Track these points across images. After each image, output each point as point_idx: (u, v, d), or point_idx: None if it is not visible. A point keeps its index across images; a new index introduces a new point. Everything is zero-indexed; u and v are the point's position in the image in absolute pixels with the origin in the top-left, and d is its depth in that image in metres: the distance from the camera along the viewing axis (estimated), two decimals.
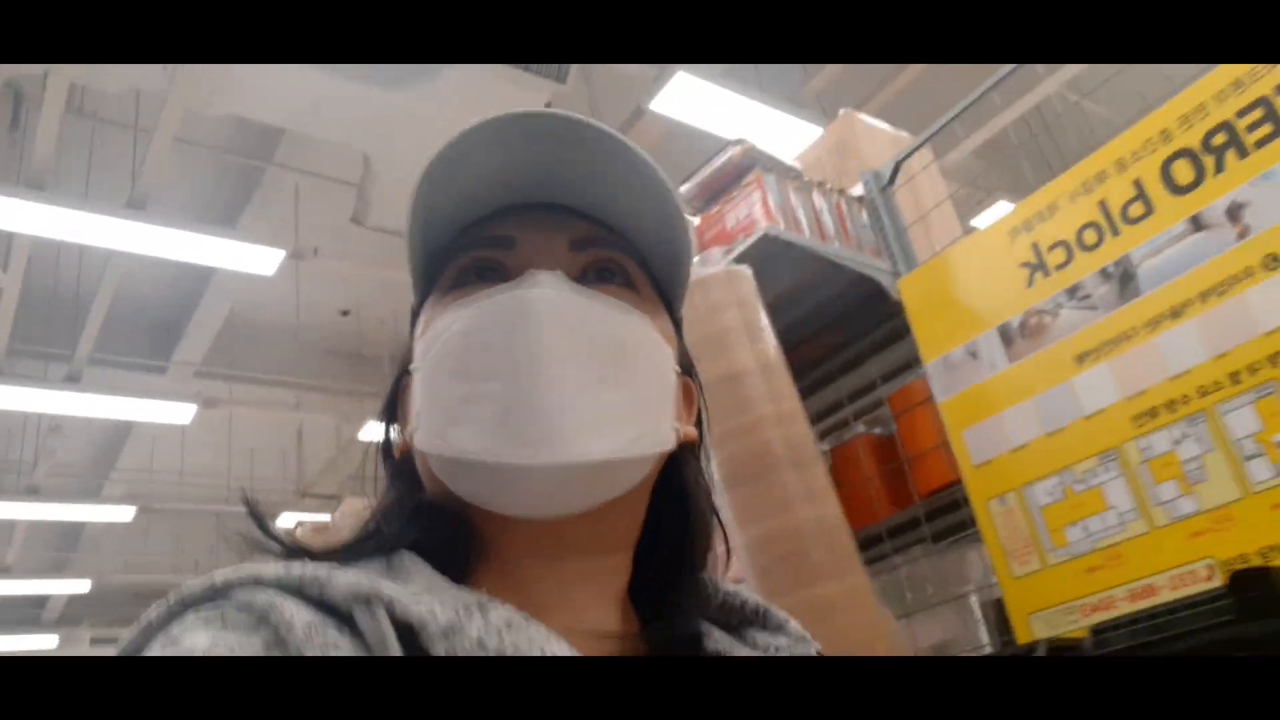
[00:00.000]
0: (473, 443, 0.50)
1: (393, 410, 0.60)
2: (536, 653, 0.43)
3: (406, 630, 0.43)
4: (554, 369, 0.50)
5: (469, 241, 0.56)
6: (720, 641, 0.57)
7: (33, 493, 5.90)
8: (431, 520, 0.53)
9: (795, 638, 0.59)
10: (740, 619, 0.60)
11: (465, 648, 0.42)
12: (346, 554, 0.51)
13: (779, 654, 0.56)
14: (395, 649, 0.41)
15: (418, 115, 3.22)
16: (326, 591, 0.44)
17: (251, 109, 3.40)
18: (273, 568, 0.45)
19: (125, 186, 3.79)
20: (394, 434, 0.59)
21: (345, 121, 3.41)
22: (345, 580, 0.44)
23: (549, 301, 0.52)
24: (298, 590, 0.44)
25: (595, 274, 0.56)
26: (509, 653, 0.43)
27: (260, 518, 0.53)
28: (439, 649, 0.42)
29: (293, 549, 0.51)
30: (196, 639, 0.41)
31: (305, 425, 6.97)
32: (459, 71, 3.16)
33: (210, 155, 4.85)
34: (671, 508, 0.59)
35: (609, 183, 0.55)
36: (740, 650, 0.56)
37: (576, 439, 0.50)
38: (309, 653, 0.40)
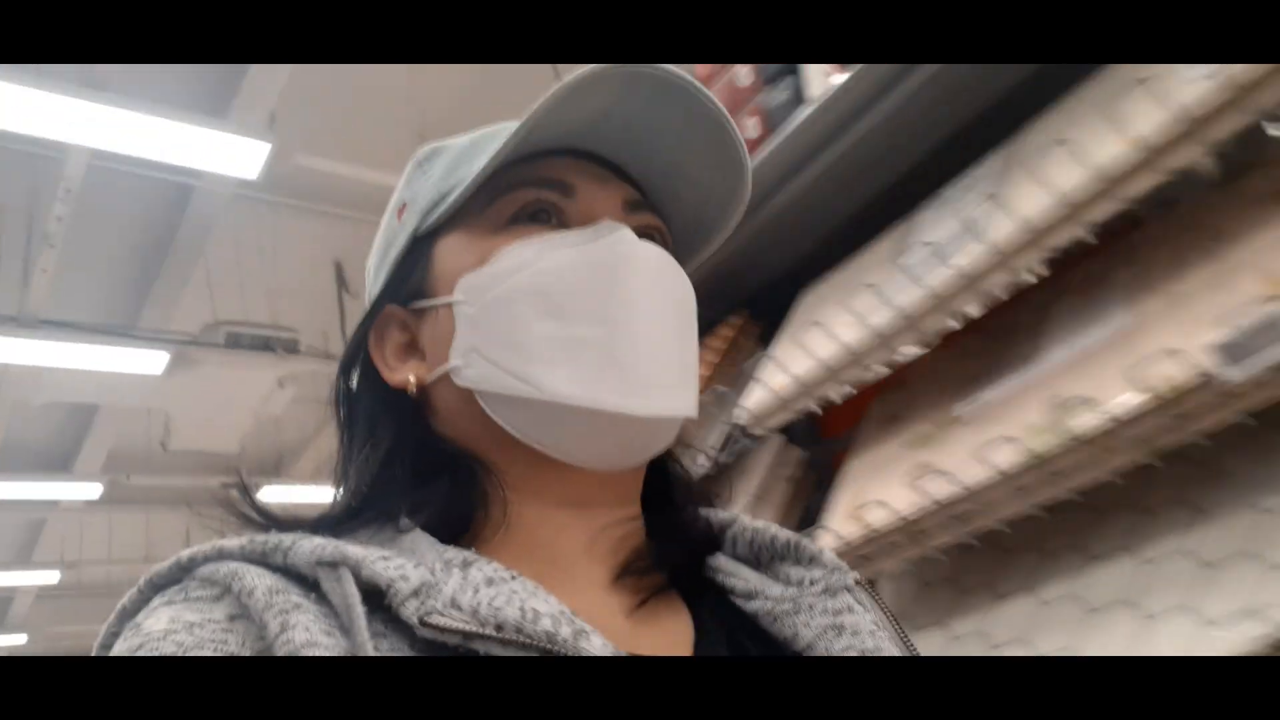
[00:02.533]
0: (570, 387, 0.49)
1: (361, 347, 0.57)
2: (515, 609, 0.41)
3: (377, 593, 0.41)
4: (661, 322, 0.52)
5: (524, 179, 0.54)
6: (748, 580, 0.56)
7: None
8: (442, 468, 0.52)
9: (830, 568, 0.55)
10: (771, 554, 0.57)
11: (437, 607, 0.41)
12: (334, 523, 0.50)
13: (811, 586, 0.54)
14: (358, 610, 0.40)
15: None
16: (290, 558, 0.43)
17: None
18: (237, 539, 0.44)
19: None
20: (391, 372, 0.55)
21: None
22: (310, 546, 0.43)
23: (655, 256, 0.53)
24: (262, 558, 0.43)
25: (642, 235, 0.54)
26: (482, 610, 0.41)
27: (246, 490, 0.52)
28: (409, 610, 0.41)
29: (276, 521, 0.50)
30: (157, 622, 0.40)
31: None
32: None
33: None
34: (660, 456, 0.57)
35: (689, 152, 0.56)
36: (771, 588, 0.55)
37: (675, 393, 0.51)
38: (269, 617, 0.39)
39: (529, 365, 0.49)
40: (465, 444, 0.52)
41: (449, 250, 0.54)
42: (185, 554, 0.44)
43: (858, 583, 0.56)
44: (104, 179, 3.71)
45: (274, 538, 0.44)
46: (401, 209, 0.57)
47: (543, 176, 0.54)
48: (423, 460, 0.52)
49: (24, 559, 7.34)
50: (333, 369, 0.59)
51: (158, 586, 0.44)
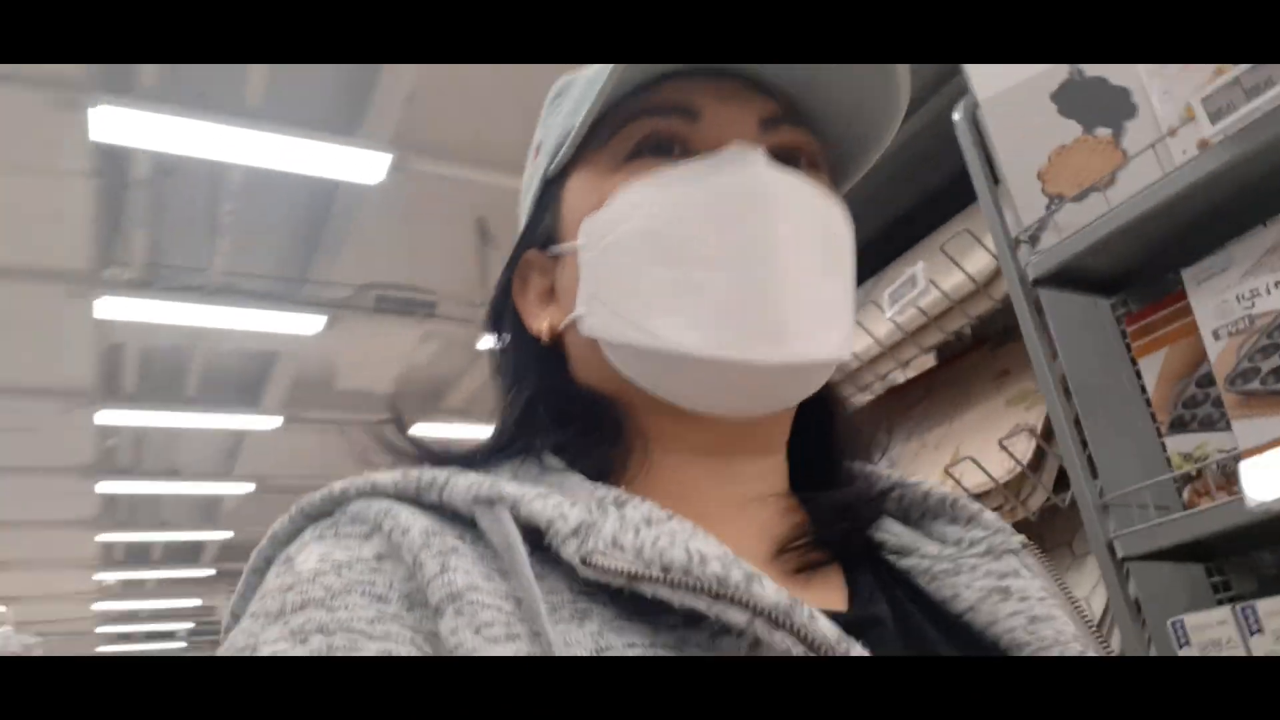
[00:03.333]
0: (691, 335, 0.46)
1: (507, 295, 0.56)
2: (681, 550, 0.39)
3: (534, 532, 0.40)
4: (790, 259, 0.47)
5: (643, 108, 0.50)
6: (899, 536, 0.53)
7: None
8: (582, 415, 0.50)
9: (993, 529, 0.52)
10: (923, 510, 0.55)
11: (599, 547, 0.39)
12: (481, 457, 0.49)
13: (971, 547, 0.51)
14: (520, 550, 0.39)
15: None
16: (445, 495, 0.42)
17: None
18: (390, 475, 0.43)
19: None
20: (532, 319, 0.54)
21: None
22: (466, 482, 0.42)
23: (785, 183, 0.48)
24: (415, 496, 0.43)
25: (791, 156, 0.51)
26: (647, 550, 0.39)
27: (400, 421, 0.51)
28: (569, 550, 0.39)
29: (428, 453, 0.49)
30: (308, 558, 0.40)
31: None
32: None
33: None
34: (817, 401, 0.53)
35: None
36: (927, 545, 0.52)
37: (810, 337, 0.47)
38: (426, 559, 0.38)
39: (647, 312, 0.47)
40: (602, 390, 0.51)
41: (575, 192, 0.52)
42: (338, 486, 0.43)
43: (1025, 545, 0.53)
44: (262, 179, 4.29)
45: (428, 473, 0.43)
46: (536, 150, 0.56)
47: (664, 101, 0.50)
48: (564, 405, 0.51)
49: (226, 472, 8.52)
50: (470, 328, 0.72)
51: (310, 516, 0.43)
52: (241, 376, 6.74)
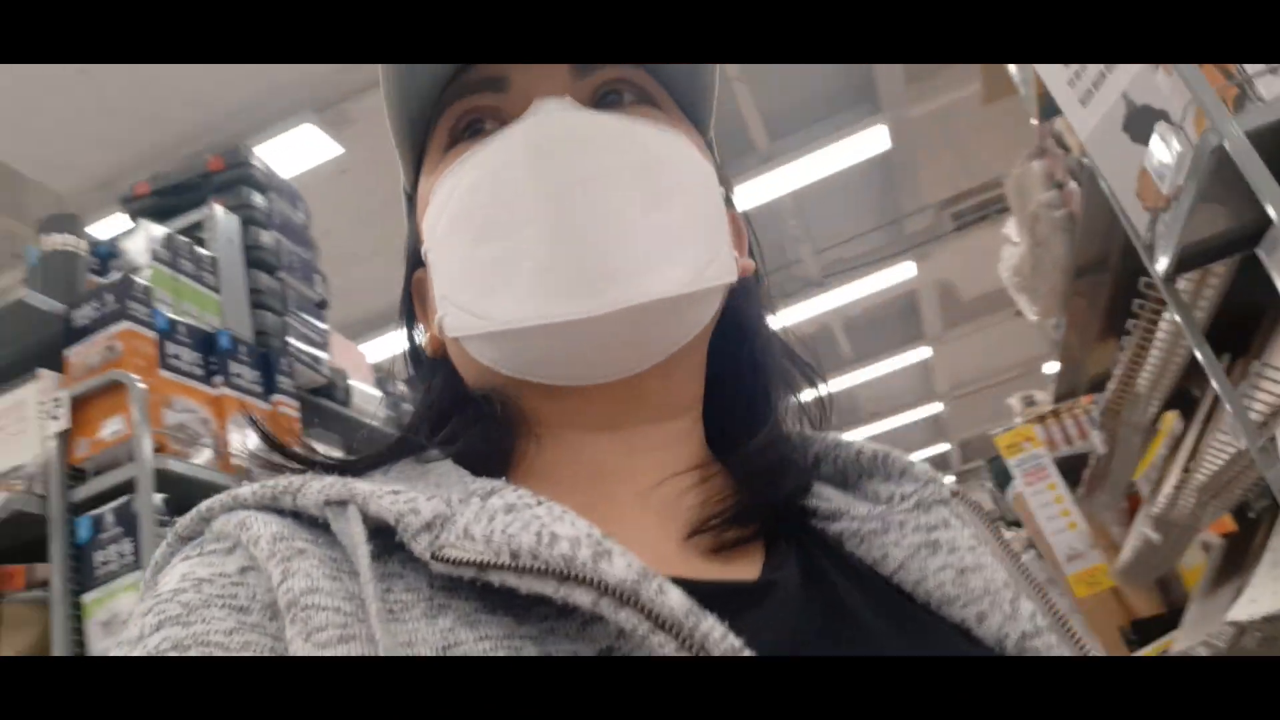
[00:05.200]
0: (515, 308, 0.44)
1: (411, 311, 0.56)
2: (531, 535, 0.37)
3: (386, 530, 0.39)
4: (594, 198, 0.44)
5: (456, 91, 0.49)
6: (830, 500, 0.51)
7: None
8: (465, 411, 0.49)
9: (922, 480, 0.50)
10: (858, 470, 0.52)
11: (450, 540, 0.37)
12: (368, 464, 0.48)
13: (902, 502, 0.49)
14: (361, 549, 0.37)
15: None
16: (299, 500, 0.41)
17: None
18: (252, 486, 0.43)
19: None
20: (419, 336, 0.55)
21: None
22: (319, 485, 0.41)
23: (567, 124, 0.45)
24: (273, 502, 0.41)
25: (609, 98, 0.49)
26: (495, 538, 0.37)
27: (268, 436, 0.49)
28: (421, 545, 0.38)
29: (311, 464, 0.48)
30: (170, 578, 0.39)
31: None
32: None
33: None
34: (736, 353, 0.53)
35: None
36: (857, 507, 0.50)
37: (640, 275, 0.43)
38: (271, 567, 0.37)
39: (477, 296, 0.45)
40: (483, 384, 0.49)
41: (420, 197, 0.51)
42: (204, 504, 0.43)
43: (955, 494, 0.51)
44: None
45: (284, 480, 0.42)
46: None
47: (472, 79, 0.48)
48: (450, 404, 0.51)
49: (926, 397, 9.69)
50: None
51: (183, 539, 0.42)
52: (887, 323, 7.74)
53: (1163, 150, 1.31)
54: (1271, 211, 1.14)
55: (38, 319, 1.77)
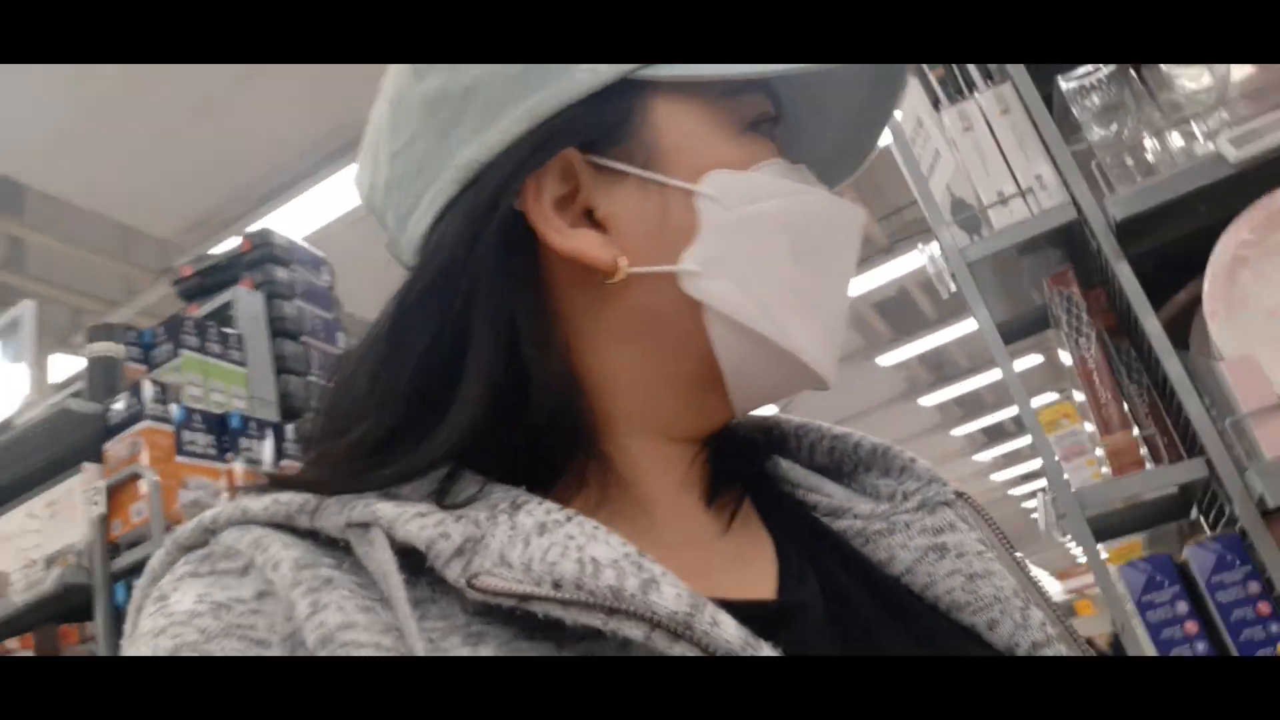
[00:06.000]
0: (803, 340, 0.46)
1: (505, 190, 0.44)
2: (573, 562, 0.36)
3: (414, 554, 0.37)
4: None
5: (758, 84, 0.49)
6: (833, 496, 0.52)
7: None
8: (553, 397, 0.43)
9: (925, 479, 0.51)
10: (854, 463, 0.53)
11: (485, 566, 0.36)
12: (390, 473, 0.41)
13: (905, 501, 0.50)
14: (395, 579, 0.35)
15: None
16: (317, 520, 0.39)
17: None
18: (260, 500, 0.40)
19: None
20: (559, 235, 0.44)
21: None
22: (338, 505, 0.39)
23: (860, 223, 0.50)
24: (288, 520, 0.39)
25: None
26: (535, 565, 0.36)
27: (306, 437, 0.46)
28: (454, 572, 0.36)
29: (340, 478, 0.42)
30: (183, 598, 0.37)
31: None
32: None
33: None
34: None
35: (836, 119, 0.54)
36: (860, 504, 0.51)
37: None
38: (297, 598, 0.35)
39: (779, 306, 0.45)
40: (610, 355, 0.46)
41: (688, 124, 0.46)
42: (208, 515, 0.41)
43: (959, 495, 0.51)
44: None
45: (300, 497, 0.40)
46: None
47: (767, 91, 0.50)
48: (546, 378, 0.43)
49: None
50: None
51: (184, 548, 0.41)
52: None
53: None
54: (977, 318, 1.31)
55: (81, 420, 2.18)
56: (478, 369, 0.43)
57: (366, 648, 0.34)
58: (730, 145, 0.47)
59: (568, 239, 0.44)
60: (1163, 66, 1.30)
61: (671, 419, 0.48)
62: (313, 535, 0.39)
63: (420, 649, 0.34)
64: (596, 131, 0.45)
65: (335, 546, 0.39)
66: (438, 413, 0.43)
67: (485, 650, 0.36)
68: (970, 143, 1.45)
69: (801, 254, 0.46)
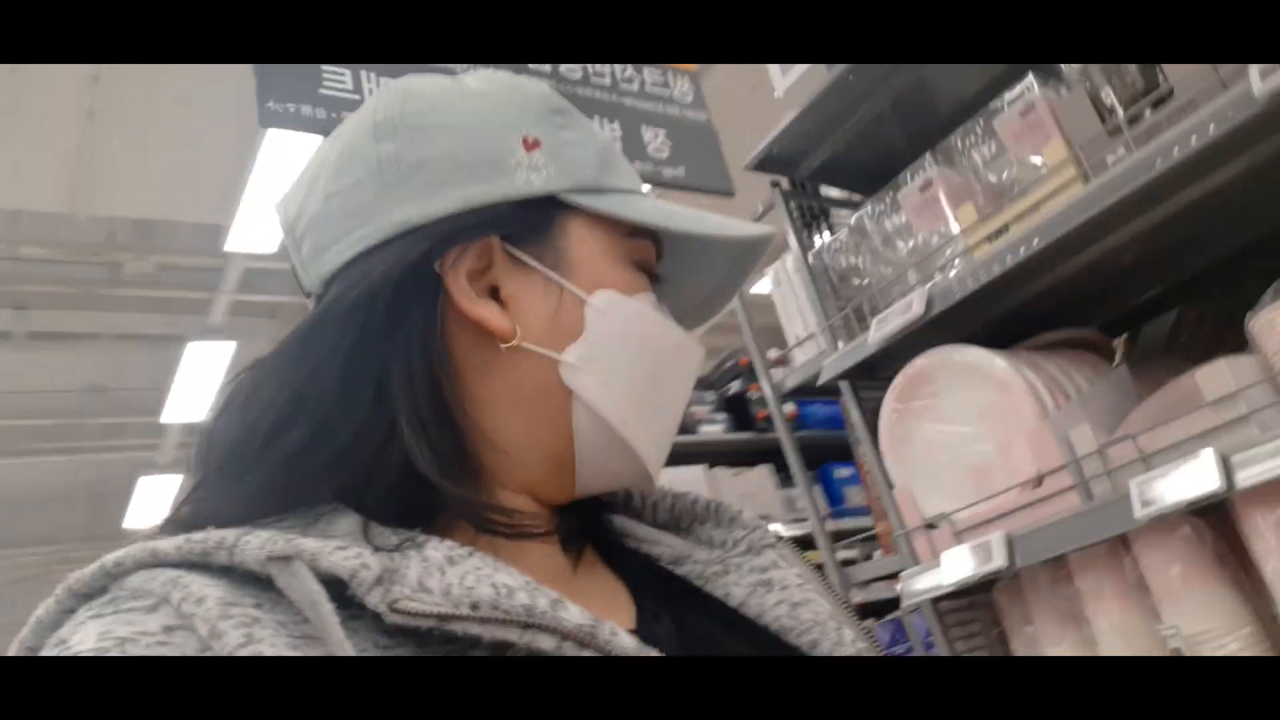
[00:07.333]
0: (646, 446, 0.54)
1: (432, 259, 0.51)
2: (487, 587, 0.40)
3: (334, 584, 0.38)
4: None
5: (645, 232, 0.57)
6: (674, 546, 0.59)
7: None
8: (449, 445, 0.49)
9: (750, 528, 0.60)
10: (691, 518, 0.62)
11: (405, 593, 0.39)
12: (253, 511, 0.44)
13: (735, 547, 0.59)
14: (327, 609, 0.37)
15: None
16: (236, 556, 0.39)
17: None
18: (171, 541, 0.40)
19: None
20: (470, 303, 0.51)
21: None
22: (258, 540, 0.39)
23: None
24: (203, 559, 0.39)
25: None
26: (454, 590, 0.40)
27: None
28: (375, 598, 0.38)
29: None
30: (85, 638, 0.36)
31: None
32: None
33: None
34: None
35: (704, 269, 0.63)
36: (698, 551, 0.59)
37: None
38: (227, 629, 0.36)
39: (630, 409, 0.53)
40: (487, 414, 0.51)
41: (593, 246, 0.55)
42: (111, 559, 0.40)
43: (779, 539, 0.61)
44: None
45: (215, 534, 0.40)
46: (533, 143, 0.54)
47: (655, 239, 0.58)
48: (440, 424, 0.49)
49: None
50: None
51: (80, 595, 0.40)
52: None
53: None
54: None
55: None
56: (374, 405, 0.47)
57: None
58: (621, 273, 0.55)
59: (474, 305, 0.51)
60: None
61: (534, 484, 0.54)
62: (229, 572, 0.39)
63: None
64: (520, 228, 0.53)
65: (253, 583, 0.39)
66: (329, 444, 0.46)
67: None
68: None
69: (654, 374, 0.55)
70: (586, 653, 0.40)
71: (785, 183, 1.92)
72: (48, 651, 0.37)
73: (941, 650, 1.51)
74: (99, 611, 0.38)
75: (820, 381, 1.69)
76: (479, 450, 0.51)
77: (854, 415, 1.68)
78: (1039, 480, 1.32)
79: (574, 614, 0.41)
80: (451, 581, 0.40)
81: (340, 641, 0.37)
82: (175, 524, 0.44)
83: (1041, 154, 1.34)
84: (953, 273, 1.45)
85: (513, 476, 0.53)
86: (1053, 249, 1.29)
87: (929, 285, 1.48)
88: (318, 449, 0.46)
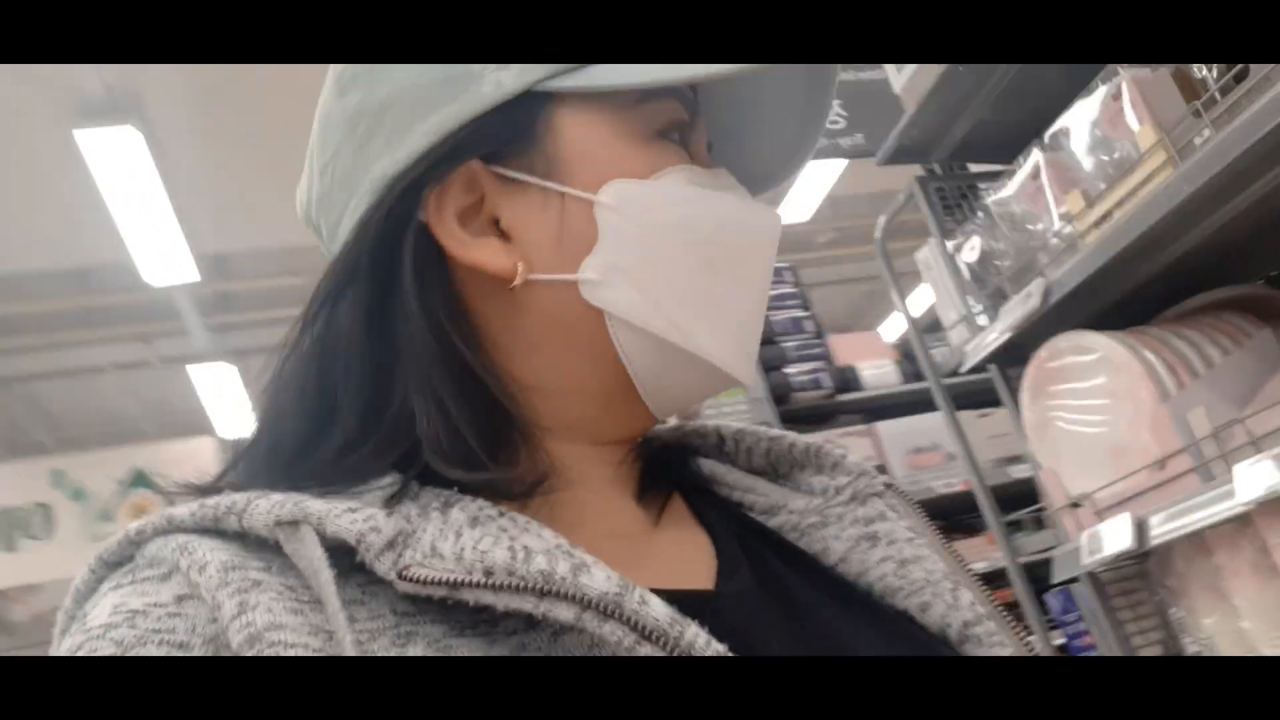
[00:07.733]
0: (711, 343, 0.47)
1: (410, 198, 0.46)
2: (504, 550, 0.37)
3: (343, 550, 0.37)
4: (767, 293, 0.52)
5: (671, 90, 0.48)
6: (767, 495, 0.55)
7: None
8: (474, 397, 0.45)
9: (855, 473, 0.54)
10: (790, 464, 0.56)
11: (415, 558, 0.37)
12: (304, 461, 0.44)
13: (837, 495, 0.53)
14: (326, 575, 0.36)
15: None
16: (246, 521, 0.38)
17: None
18: (187, 506, 0.40)
19: None
20: (460, 246, 0.46)
21: None
22: (267, 504, 0.39)
23: (777, 230, 0.52)
24: (214, 525, 0.39)
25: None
26: (467, 554, 0.37)
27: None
28: (384, 565, 0.37)
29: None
30: (100, 612, 0.37)
31: None
32: None
33: None
34: None
35: (772, 115, 0.55)
36: (794, 500, 0.53)
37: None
38: (223, 598, 0.35)
39: (683, 311, 0.46)
40: (521, 364, 0.47)
41: (591, 134, 0.47)
42: (133, 527, 0.40)
43: (889, 486, 0.54)
44: None
45: (227, 499, 0.39)
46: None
47: (680, 95, 0.49)
48: (462, 381, 0.45)
49: None
50: None
51: (109, 564, 0.40)
52: None
53: None
54: None
55: None
56: (399, 376, 0.44)
57: (295, 648, 0.34)
58: (634, 154, 0.47)
59: (467, 249, 0.46)
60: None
61: (592, 424, 0.49)
62: (241, 537, 0.39)
63: (350, 646, 0.34)
64: (499, 143, 0.46)
65: (265, 548, 0.39)
66: (369, 418, 0.44)
67: (413, 651, 0.36)
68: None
69: (709, 259, 0.47)
70: (609, 625, 0.36)
71: (920, 170, 1.96)
72: (71, 628, 0.38)
73: (1102, 623, 1.56)
74: (119, 582, 0.38)
75: (965, 367, 1.75)
76: (521, 404, 0.47)
77: (1004, 397, 1.73)
78: (1163, 462, 1.34)
79: (599, 580, 0.37)
80: (466, 545, 0.38)
81: (336, 611, 0.35)
82: (207, 491, 0.44)
83: (1135, 136, 1.34)
84: (1074, 259, 1.47)
85: (564, 424, 0.48)
86: (1194, 199, 1.20)
87: (1046, 274, 1.51)
88: (347, 452, 0.44)
